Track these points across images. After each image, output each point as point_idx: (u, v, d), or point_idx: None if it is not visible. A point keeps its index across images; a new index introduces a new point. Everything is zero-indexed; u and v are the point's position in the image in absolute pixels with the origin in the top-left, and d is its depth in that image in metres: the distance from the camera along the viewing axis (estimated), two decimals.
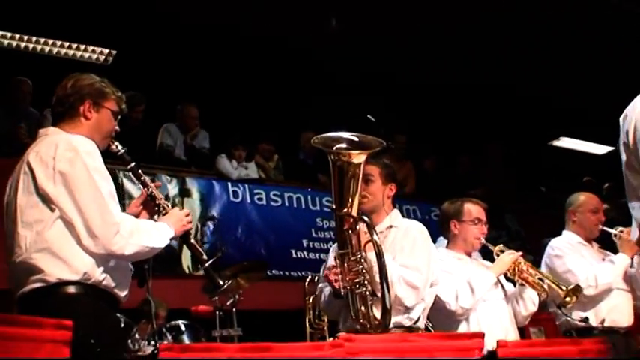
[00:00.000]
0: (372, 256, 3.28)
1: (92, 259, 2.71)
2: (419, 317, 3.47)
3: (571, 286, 4.14)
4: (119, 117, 3.11)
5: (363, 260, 3.27)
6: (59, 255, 2.68)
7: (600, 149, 10.98)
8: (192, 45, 8.00)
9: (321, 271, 3.80)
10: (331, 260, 3.64)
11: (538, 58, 8.51)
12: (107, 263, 2.76)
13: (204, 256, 3.21)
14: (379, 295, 3.20)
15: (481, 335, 2.82)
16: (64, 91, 3.01)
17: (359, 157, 3.28)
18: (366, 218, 3.35)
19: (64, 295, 2.67)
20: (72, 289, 2.68)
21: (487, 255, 4.58)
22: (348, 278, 3.27)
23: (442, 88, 9.20)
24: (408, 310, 3.40)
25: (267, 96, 8.71)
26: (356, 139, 3.32)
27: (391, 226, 3.66)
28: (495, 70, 8.76)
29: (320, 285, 3.78)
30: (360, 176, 3.32)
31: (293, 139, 8.72)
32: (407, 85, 9.05)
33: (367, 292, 3.23)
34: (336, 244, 3.75)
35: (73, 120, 2.98)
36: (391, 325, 3.25)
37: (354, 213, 3.32)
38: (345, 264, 3.31)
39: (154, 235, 2.88)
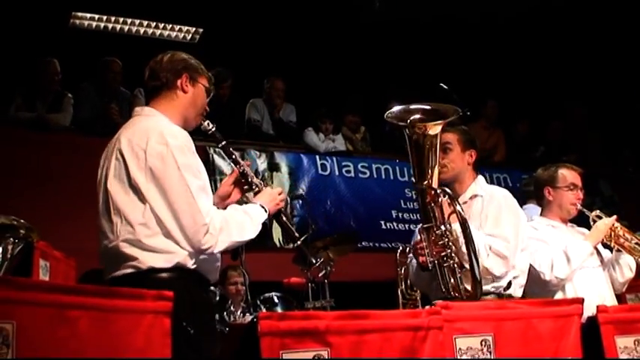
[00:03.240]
0: (457, 227, 3.23)
1: (184, 251, 2.71)
2: (508, 284, 3.41)
3: None
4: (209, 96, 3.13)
5: (448, 233, 3.23)
6: (151, 247, 2.68)
7: None
8: (276, 20, 8.03)
9: (412, 243, 3.77)
10: (417, 235, 3.64)
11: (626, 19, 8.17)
12: (199, 255, 2.76)
13: (297, 234, 3.20)
14: (467, 266, 3.17)
15: (580, 301, 2.76)
16: (160, 65, 3.01)
17: (434, 128, 3.24)
18: (447, 190, 3.29)
19: (157, 280, 2.65)
20: (164, 274, 2.68)
21: (579, 221, 4.48)
22: (434, 252, 3.24)
23: (530, 53, 8.96)
24: (496, 278, 3.36)
25: (353, 68, 8.67)
26: (429, 107, 3.27)
27: (475, 195, 3.60)
28: (579, 31, 8.46)
29: (410, 256, 3.77)
30: (438, 147, 3.29)
31: (379, 110, 8.65)
32: (496, 51, 8.85)
33: (455, 265, 3.21)
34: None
35: (170, 94, 2.99)
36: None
37: (435, 185, 3.28)
38: (431, 238, 3.27)
39: (245, 227, 2.84)
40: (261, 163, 7.27)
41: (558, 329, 2.68)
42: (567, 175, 4.25)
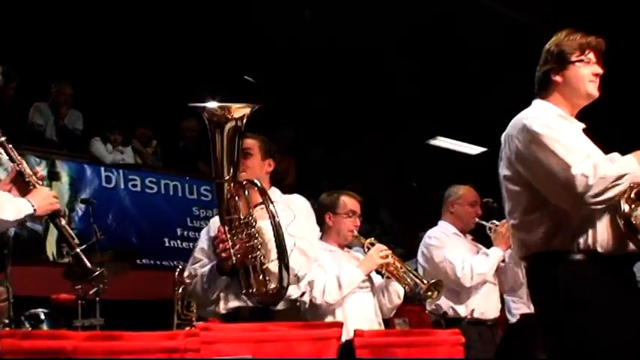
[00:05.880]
0: (263, 223, 3.16)
1: None
2: (305, 290, 3.46)
3: (433, 281, 4.25)
4: None
5: (254, 223, 3.13)
6: None
7: (474, 149, 11.34)
8: (68, 21, 7.66)
9: (192, 256, 3.64)
10: (205, 237, 3.55)
11: (420, 61, 8.66)
12: None
13: (76, 240, 3.08)
14: (271, 264, 3.10)
15: (339, 325, 2.81)
16: None
17: (239, 111, 3.08)
18: (255, 181, 3.22)
19: None
20: None
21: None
22: (237, 246, 3.11)
23: (325, 84, 9.23)
24: (297, 279, 3.34)
25: (146, 79, 8.43)
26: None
27: (273, 201, 3.51)
28: (376, 67, 8.85)
29: (194, 266, 3.53)
30: (241, 137, 3.15)
31: (173, 126, 8.52)
32: (294, 81, 9.03)
33: (261, 258, 3.10)
34: (209, 225, 3.62)
35: None
36: None
37: (238, 177, 3.17)
38: (234, 230, 3.14)
39: (4, 207, 2.78)
40: (41, 171, 6.82)
41: (316, 352, 2.70)
42: (348, 202, 4.40)
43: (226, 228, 3.16)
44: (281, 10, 7.63)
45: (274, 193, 3.63)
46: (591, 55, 2.90)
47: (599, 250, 2.67)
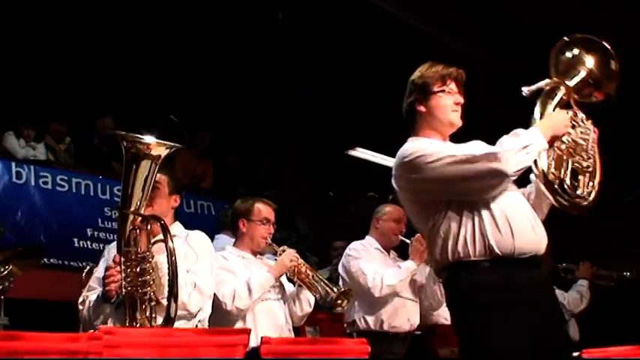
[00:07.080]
0: (160, 258, 3.19)
1: None
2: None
3: (343, 290, 4.31)
4: None
5: (150, 258, 3.16)
6: None
7: (392, 162, 11.45)
8: None
9: (88, 284, 3.59)
10: (103, 265, 3.50)
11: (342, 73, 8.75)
12: None
13: None
14: (160, 298, 3.13)
15: (247, 331, 2.83)
16: None
17: (158, 149, 3.18)
18: (159, 216, 3.26)
19: None
20: None
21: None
22: (129, 278, 3.12)
23: (246, 89, 9.22)
24: (191, 316, 3.37)
25: (64, 73, 8.21)
26: (156, 139, 3.21)
27: (174, 235, 3.52)
28: (300, 77, 8.91)
29: (87, 293, 3.50)
30: (155, 174, 3.24)
31: (88, 123, 8.31)
32: (214, 85, 8.98)
33: (151, 294, 3.13)
34: (111, 246, 3.61)
35: None
36: None
37: (142, 211, 3.22)
38: (129, 262, 3.16)
39: None
40: None
41: (222, 358, 2.71)
42: (262, 209, 4.42)
43: (122, 259, 3.18)
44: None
45: (177, 227, 3.67)
46: (453, 86, 2.99)
47: (497, 251, 2.70)
